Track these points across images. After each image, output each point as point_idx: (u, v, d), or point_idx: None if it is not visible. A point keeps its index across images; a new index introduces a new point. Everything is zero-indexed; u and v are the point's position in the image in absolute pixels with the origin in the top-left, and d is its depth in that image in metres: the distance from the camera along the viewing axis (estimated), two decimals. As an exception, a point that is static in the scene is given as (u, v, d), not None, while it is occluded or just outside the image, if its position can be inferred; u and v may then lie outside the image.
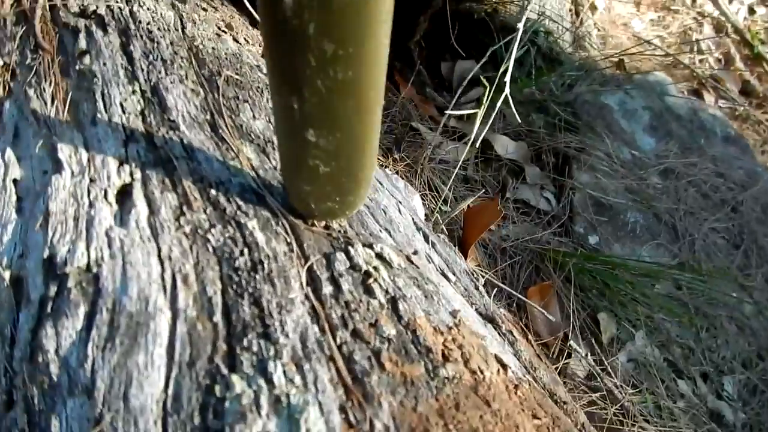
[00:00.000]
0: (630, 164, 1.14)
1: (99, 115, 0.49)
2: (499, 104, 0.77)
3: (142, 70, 0.55)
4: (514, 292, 0.86)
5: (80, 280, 0.39)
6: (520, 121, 0.90)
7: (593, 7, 1.90)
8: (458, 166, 0.95)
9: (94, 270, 0.39)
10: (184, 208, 0.42)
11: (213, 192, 0.43)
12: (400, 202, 0.56)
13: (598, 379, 0.81)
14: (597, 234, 1.03)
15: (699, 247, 1.04)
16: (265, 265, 0.39)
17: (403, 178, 0.97)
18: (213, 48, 0.62)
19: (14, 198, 0.47)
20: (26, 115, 0.53)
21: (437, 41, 1.51)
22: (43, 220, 0.43)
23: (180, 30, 0.64)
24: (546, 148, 1.17)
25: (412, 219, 0.55)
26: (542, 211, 1.07)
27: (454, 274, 0.50)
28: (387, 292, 0.39)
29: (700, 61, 1.89)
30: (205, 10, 0.77)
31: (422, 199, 0.96)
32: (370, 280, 0.39)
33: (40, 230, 0.43)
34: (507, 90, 0.74)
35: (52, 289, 0.39)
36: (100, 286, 0.38)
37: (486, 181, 1.11)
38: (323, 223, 0.43)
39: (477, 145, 1.16)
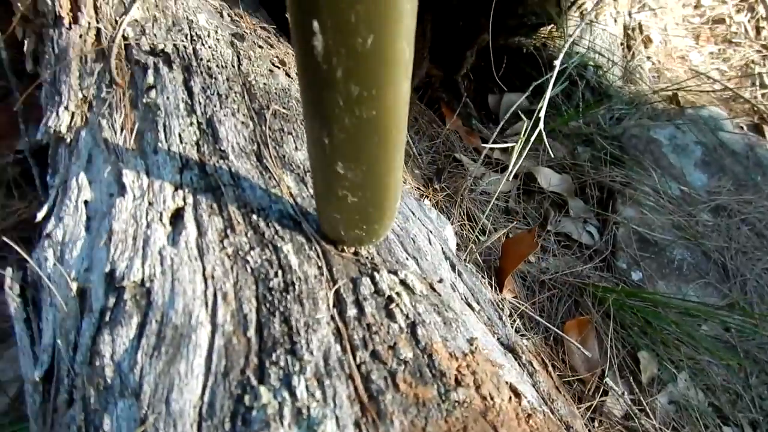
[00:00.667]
0: (678, 200, 1.11)
1: (160, 144, 0.55)
2: (533, 138, 0.78)
3: (200, 103, 0.60)
4: (551, 326, 0.85)
5: (135, 293, 0.43)
6: (553, 155, 0.91)
7: (648, 40, 1.88)
8: (498, 196, 0.97)
9: (147, 285, 0.44)
10: (228, 231, 0.46)
11: (254, 217, 0.48)
12: (430, 232, 0.59)
13: (636, 420, 0.79)
14: (641, 270, 1.00)
15: (751, 288, 0.99)
16: (297, 287, 0.42)
17: (441, 209, 1.00)
18: (264, 83, 0.67)
19: (84, 217, 0.53)
20: (98, 143, 0.60)
21: (486, 74, 1.54)
22: (107, 238, 0.49)
23: (236, 66, 0.70)
24: (590, 181, 1.16)
25: (441, 248, 0.57)
26: (584, 245, 1.06)
27: (478, 303, 0.52)
28: (407, 317, 0.41)
29: (763, 95, 1.82)
30: (261, 47, 0.83)
31: (460, 228, 0.98)
32: (392, 305, 0.42)
33: (104, 247, 0.48)
34: (541, 125, 0.75)
35: (111, 301, 0.44)
36: (151, 299, 0.43)
37: (527, 212, 1.11)
38: (353, 249, 0.46)
39: (518, 177, 1.17)
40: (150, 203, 0.49)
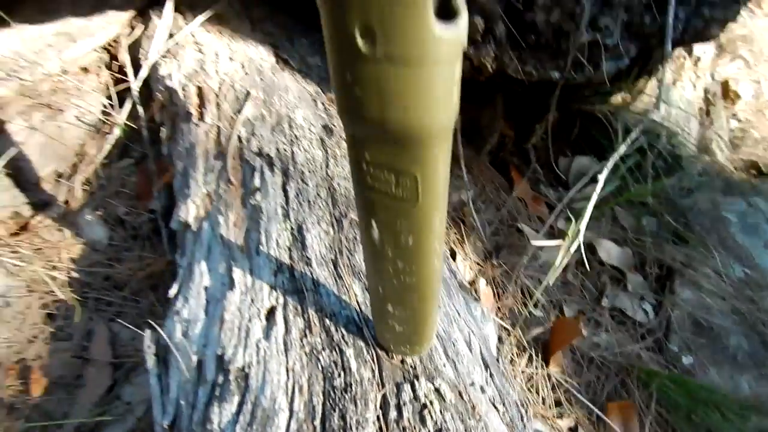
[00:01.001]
0: (741, 284, 1.12)
1: (261, 247, 0.71)
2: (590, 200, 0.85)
3: (293, 209, 0.76)
4: (593, 407, 0.92)
5: (237, 376, 0.59)
6: (616, 226, 0.96)
7: (735, 96, 1.82)
8: (556, 270, 1.04)
9: (246, 371, 0.59)
10: (307, 332, 0.60)
11: (327, 321, 0.61)
12: (472, 332, 0.70)
13: None
14: (692, 355, 1.03)
15: (810, 386, 0.99)
16: (353, 388, 0.55)
17: (497, 283, 1.09)
18: (345, 188, 0.81)
19: (204, 301, 0.69)
20: (216, 236, 0.77)
21: (558, 136, 1.59)
22: (219, 323, 0.65)
23: (324, 169, 0.85)
24: (651, 258, 1.19)
25: (480, 349, 0.68)
26: (638, 323, 1.10)
27: (503, 404, 0.62)
28: (436, 423, 0.53)
29: None
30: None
31: (513, 301, 1.07)
32: (426, 411, 0.53)
33: (217, 331, 0.64)
34: (587, 217, 0.82)
35: (220, 378, 0.60)
36: (248, 383, 0.58)
37: (584, 285, 1.17)
38: (400, 357, 0.59)
39: (578, 248, 1.23)
40: (252, 300, 0.65)
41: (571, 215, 1.05)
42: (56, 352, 0.97)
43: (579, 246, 0.94)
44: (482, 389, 0.62)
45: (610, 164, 1.02)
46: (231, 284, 0.68)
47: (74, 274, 1.04)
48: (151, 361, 0.70)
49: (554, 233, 1.27)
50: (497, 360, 0.72)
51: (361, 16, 0.27)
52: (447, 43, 0.28)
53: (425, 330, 0.53)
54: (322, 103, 1.07)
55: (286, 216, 0.75)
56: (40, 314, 1.00)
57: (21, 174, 1.17)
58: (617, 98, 1.61)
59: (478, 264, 1.10)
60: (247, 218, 0.77)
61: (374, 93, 0.31)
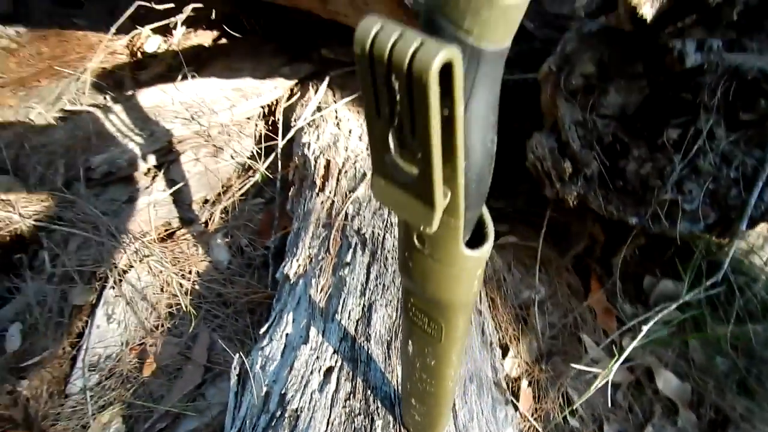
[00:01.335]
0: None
1: (336, 315, 0.88)
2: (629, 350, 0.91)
3: (370, 289, 0.92)
4: None
5: (290, 415, 0.75)
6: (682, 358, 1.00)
7: None
8: (606, 385, 1.08)
9: (298, 413, 0.75)
10: (351, 396, 0.75)
11: (369, 392, 0.76)
12: (490, 431, 0.80)
13: None
14: None
15: None
16: (373, 455, 0.68)
17: (540, 386, 1.16)
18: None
19: (282, 345, 0.87)
20: (306, 293, 0.95)
21: (650, 254, 1.61)
22: (289, 368, 0.82)
23: (405, 258, 1.00)
24: (710, 400, 1.18)
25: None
26: (679, 468, 1.10)
27: None
28: (429, 506, 0.64)
29: None
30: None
31: (552, 405, 1.13)
32: (424, 493, 0.65)
33: (286, 373, 0.81)
34: (634, 343, 0.88)
35: (278, 412, 0.76)
36: (297, 423, 0.73)
37: (632, 409, 1.19)
38: (418, 440, 0.71)
39: (635, 371, 1.25)
40: (317, 357, 0.82)
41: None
42: (168, 345, 1.21)
43: (633, 368, 0.99)
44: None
45: (686, 296, 1.06)
46: (306, 339, 0.85)
47: (196, 286, 1.30)
48: (233, 379, 0.89)
49: (616, 350, 1.30)
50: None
51: (418, 230, 0.42)
52: (471, 259, 0.42)
53: (440, 422, 0.65)
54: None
55: (363, 293, 0.91)
56: (164, 311, 1.26)
57: (179, 194, 1.48)
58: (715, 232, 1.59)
59: (527, 364, 1.18)
60: (333, 286, 0.95)
61: (419, 272, 0.45)
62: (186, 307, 1.24)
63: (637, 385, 1.26)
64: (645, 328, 0.99)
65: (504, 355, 1.19)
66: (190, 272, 1.32)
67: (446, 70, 0.27)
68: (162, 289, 1.28)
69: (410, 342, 0.57)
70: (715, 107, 1.00)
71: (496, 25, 0.31)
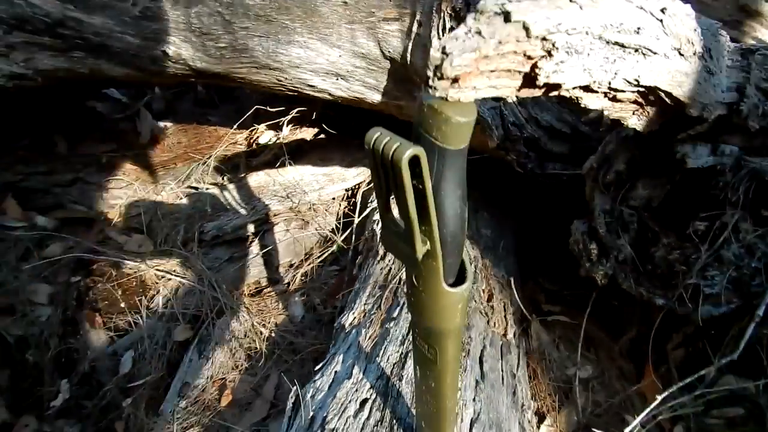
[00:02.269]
0: None
1: (377, 358, 1.04)
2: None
3: (409, 340, 1.07)
4: None
5: (328, 433, 0.90)
6: None
7: None
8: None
9: None
10: (379, 424, 0.90)
11: (395, 421, 0.90)
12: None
13: None
14: None
15: None
16: (389, 470, 0.81)
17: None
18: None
19: (331, 380, 1.04)
20: (357, 340, 1.13)
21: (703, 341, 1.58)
22: (333, 397, 0.98)
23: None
24: None
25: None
26: None
27: None
28: None
29: None
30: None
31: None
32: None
33: (330, 401, 0.97)
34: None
35: (319, 431, 0.92)
36: (332, 439, 0.89)
37: None
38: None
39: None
40: (356, 390, 0.97)
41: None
42: (243, 381, 1.42)
43: None
44: None
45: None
46: (350, 375, 1.02)
47: (273, 334, 1.52)
48: (288, 405, 1.07)
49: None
50: None
51: (415, 273, 0.60)
52: (452, 295, 0.59)
53: (446, 425, 0.78)
54: (475, 266, 1.40)
55: (402, 343, 1.07)
56: (245, 353, 1.48)
57: (269, 258, 1.75)
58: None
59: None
60: (379, 336, 1.12)
61: (417, 306, 0.62)
62: (262, 351, 1.45)
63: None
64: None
65: (540, 423, 1.25)
66: (269, 323, 1.54)
67: (416, 160, 0.47)
68: (245, 335, 1.52)
69: (417, 369, 0.72)
70: (741, 204, 1.10)
71: (452, 136, 0.50)
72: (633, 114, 0.81)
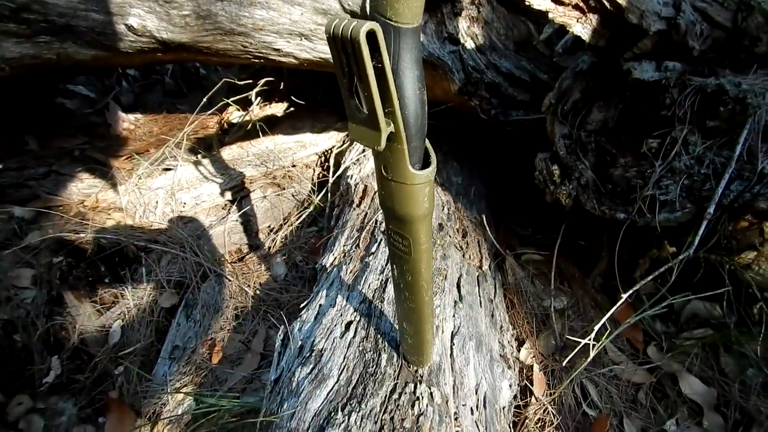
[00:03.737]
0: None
1: (359, 286, 1.08)
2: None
3: (388, 269, 1.12)
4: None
5: (316, 354, 0.95)
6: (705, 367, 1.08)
7: None
8: (627, 385, 1.16)
9: (322, 352, 0.94)
10: (365, 340, 0.94)
11: (379, 336, 0.94)
12: (484, 378, 0.94)
13: None
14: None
15: None
16: (378, 376, 0.86)
17: (553, 374, 1.26)
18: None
19: (316, 312, 1.09)
20: (338, 276, 1.17)
21: (683, 276, 1.67)
22: (319, 325, 1.02)
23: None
24: (735, 403, 1.23)
25: (485, 389, 0.92)
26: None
27: (485, 429, 0.85)
28: (420, 409, 0.80)
29: None
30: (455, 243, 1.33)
31: (566, 393, 1.23)
32: (416, 401, 0.82)
33: (316, 329, 1.02)
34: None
35: (307, 353, 0.96)
36: (321, 359, 0.93)
37: (654, 407, 1.25)
38: (415, 368, 0.88)
39: (656, 373, 1.31)
40: (341, 315, 1.02)
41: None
42: (233, 339, 1.45)
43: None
44: (471, 411, 0.87)
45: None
46: (334, 304, 1.06)
47: (258, 293, 1.55)
48: (278, 342, 1.11)
49: (637, 356, 1.38)
50: (502, 406, 0.95)
51: (384, 162, 0.64)
52: (418, 177, 0.63)
53: (424, 345, 0.83)
54: (448, 209, 1.45)
55: (382, 272, 1.12)
56: (232, 313, 1.51)
57: (248, 225, 1.78)
58: (751, 255, 1.65)
59: (542, 356, 1.29)
60: (359, 269, 1.16)
61: (387, 195, 0.67)
62: (248, 308, 1.48)
63: (659, 387, 1.32)
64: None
65: (520, 347, 1.31)
66: (253, 283, 1.58)
67: (373, 37, 0.51)
68: (231, 296, 1.55)
69: (394, 267, 0.77)
70: (688, 119, 1.17)
71: (406, 11, 0.54)
72: (577, 22, 0.86)
